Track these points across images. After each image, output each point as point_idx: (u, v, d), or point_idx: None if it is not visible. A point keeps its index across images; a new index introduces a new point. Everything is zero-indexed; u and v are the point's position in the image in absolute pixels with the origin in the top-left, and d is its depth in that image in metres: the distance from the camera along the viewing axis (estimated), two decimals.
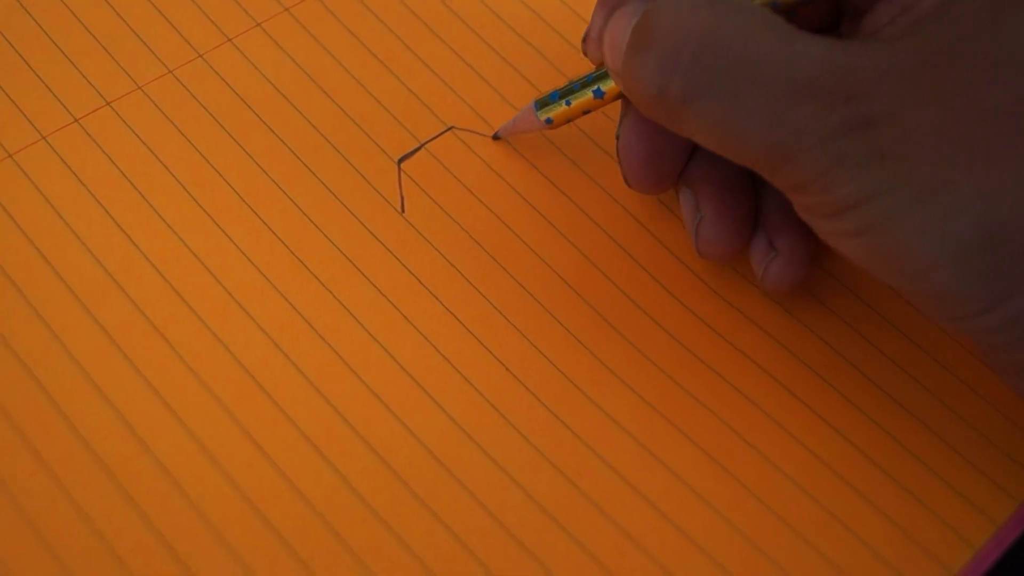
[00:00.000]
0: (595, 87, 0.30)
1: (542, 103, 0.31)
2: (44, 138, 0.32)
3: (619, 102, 0.31)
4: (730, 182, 0.30)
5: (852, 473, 0.29)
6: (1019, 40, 0.24)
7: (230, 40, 0.34)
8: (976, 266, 0.24)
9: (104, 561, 0.26)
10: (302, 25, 0.35)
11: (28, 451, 0.27)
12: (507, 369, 0.30)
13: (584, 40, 0.30)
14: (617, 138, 0.30)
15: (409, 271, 0.31)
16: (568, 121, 0.31)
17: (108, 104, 0.32)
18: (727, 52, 0.24)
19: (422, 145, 0.33)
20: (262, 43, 0.34)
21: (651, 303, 0.31)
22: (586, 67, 0.32)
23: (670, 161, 0.30)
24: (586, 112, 0.31)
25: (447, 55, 0.35)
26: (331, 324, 0.30)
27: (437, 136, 0.33)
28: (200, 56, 0.34)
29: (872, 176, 0.24)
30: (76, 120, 0.32)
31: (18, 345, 0.28)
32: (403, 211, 0.32)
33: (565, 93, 0.31)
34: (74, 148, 0.32)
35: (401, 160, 0.32)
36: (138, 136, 0.32)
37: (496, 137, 0.33)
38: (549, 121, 0.31)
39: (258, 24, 0.35)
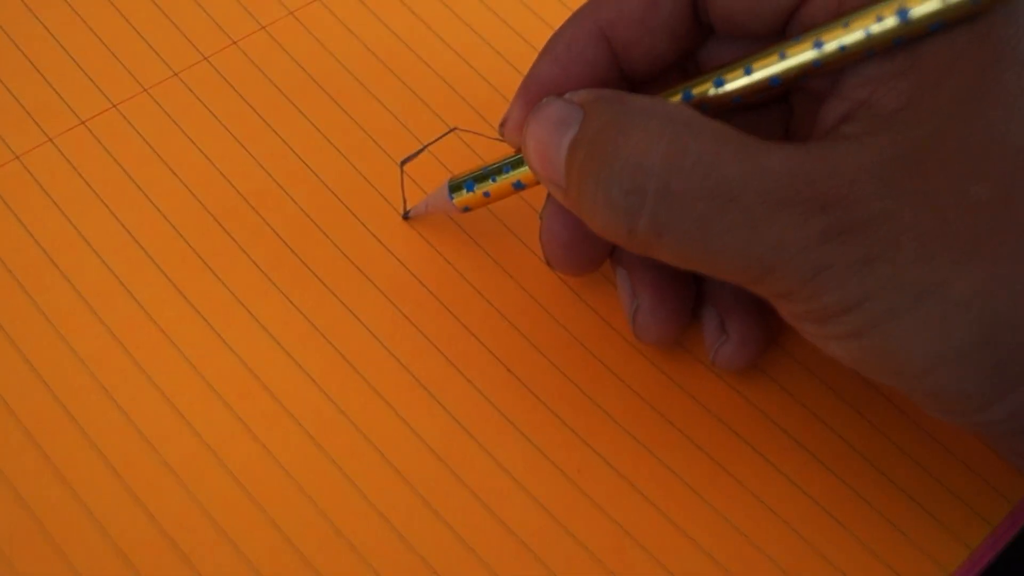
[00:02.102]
0: (515, 180, 0.29)
1: (455, 187, 0.30)
2: (51, 140, 0.32)
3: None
4: (668, 266, 0.28)
5: (849, 474, 0.29)
6: (995, 130, 0.23)
7: (235, 43, 0.34)
8: (976, 364, 0.23)
9: (109, 559, 0.26)
10: (306, 28, 0.35)
11: (34, 450, 0.27)
12: (508, 369, 0.30)
13: (502, 124, 0.29)
14: (541, 220, 0.29)
15: (410, 272, 0.31)
16: (484, 206, 0.30)
17: (114, 106, 0.33)
18: (691, 182, 0.23)
19: (424, 147, 0.33)
20: (267, 46, 0.34)
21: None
22: None
23: (597, 247, 0.29)
24: (504, 198, 0.30)
25: (449, 57, 0.35)
26: (333, 324, 0.30)
27: (439, 138, 0.33)
28: (205, 59, 0.34)
29: (860, 282, 0.23)
30: (82, 122, 0.32)
31: (25, 346, 0.29)
32: (405, 213, 0.32)
33: (481, 180, 0.29)
34: (80, 150, 0.32)
35: (403, 162, 0.32)
36: (143, 138, 0.32)
37: (406, 217, 0.32)
38: (467, 209, 0.30)
39: (263, 27, 0.35)
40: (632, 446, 0.29)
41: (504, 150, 0.33)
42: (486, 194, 0.29)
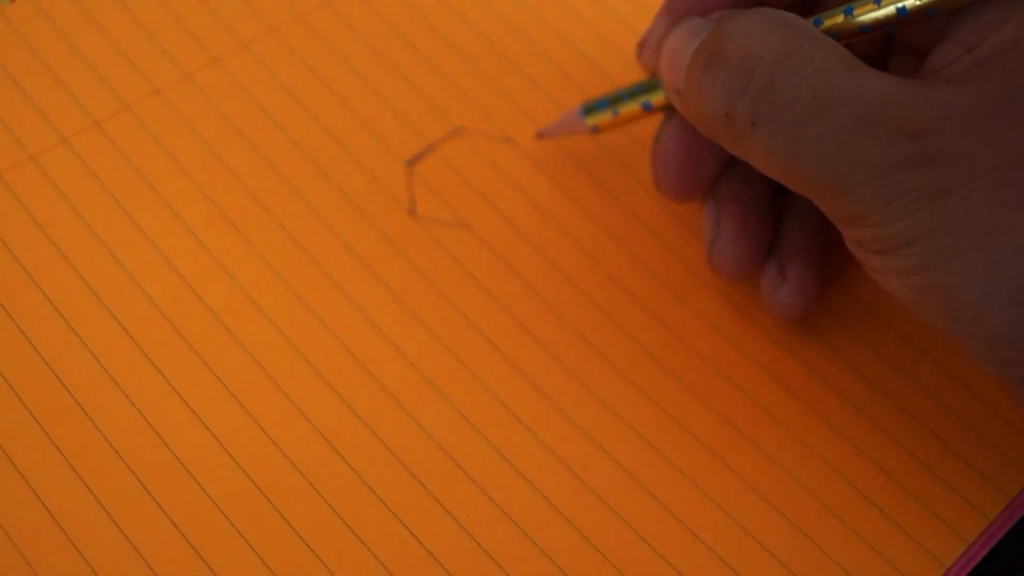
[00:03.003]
0: (644, 99, 0.30)
1: (589, 108, 0.31)
2: (65, 140, 0.32)
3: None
4: (755, 203, 0.30)
5: (848, 467, 0.29)
6: None
7: (245, 45, 0.35)
8: None
9: (122, 554, 0.26)
10: (315, 30, 0.35)
11: (49, 447, 0.27)
12: (514, 365, 0.30)
13: (640, 46, 0.30)
14: (656, 141, 0.30)
15: (419, 270, 0.31)
16: (612, 127, 0.31)
17: (127, 107, 0.33)
18: (797, 80, 0.24)
19: (431, 147, 0.33)
20: (276, 48, 0.35)
21: (657, 303, 0.32)
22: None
23: (705, 171, 0.30)
24: (632, 120, 0.31)
25: (456, 58, 0.35)
26: (343, 321, 0.30)
27: (446, 138, 0.33)
28: (216, 60, 0.34)
29: (929, 214, 0.23)
30: (96, 123, 0.32)
31: (39, 344, 0.29)
32: (413, 212, 0.32)
33: (614, 101, 0.31)
34: (94, 150, 0.32)
35: (411, 162, 0.33)
36: (156, 138, 0.32)
37: (540, 136, 0.33)
38: (596, 129, 0.31)
39: (273, 29, 0.35)
40: (636, 442, 0.29)
41: (513, 151, 0.34)
42: (615, 112, 0.30)
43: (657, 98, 0.30)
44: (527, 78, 0.35)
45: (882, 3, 0.26)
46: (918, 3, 0.25)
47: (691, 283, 0.32)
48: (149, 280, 0.30)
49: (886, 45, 0.29)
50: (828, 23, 0.26)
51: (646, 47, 0.30)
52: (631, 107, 0.30)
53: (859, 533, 0.28)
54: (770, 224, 0.30)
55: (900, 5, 0.25)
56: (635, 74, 0.34)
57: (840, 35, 0.26)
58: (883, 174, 0.23)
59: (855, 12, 0.26)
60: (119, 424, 0.28)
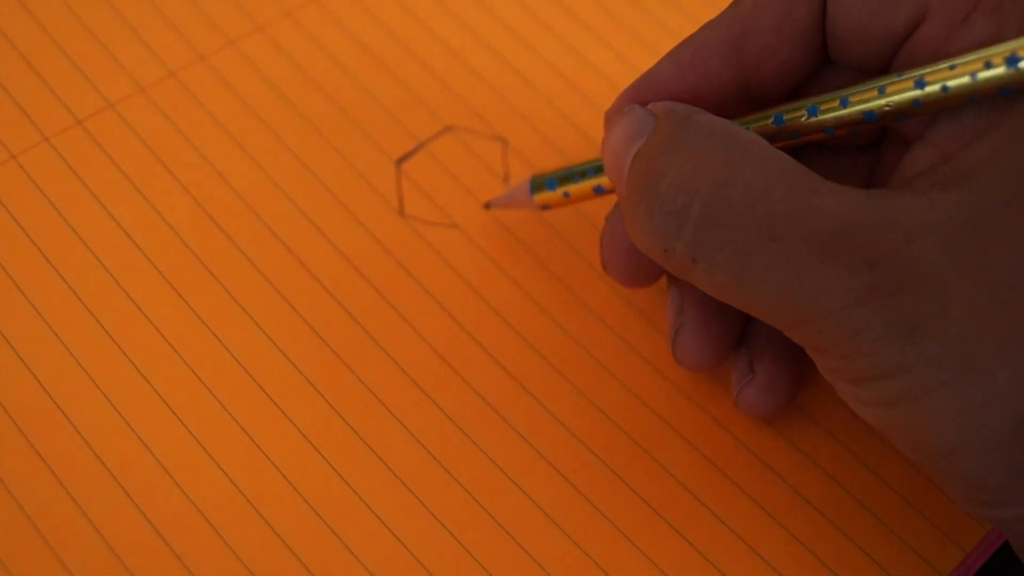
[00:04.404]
0: (596, 184, 0.28)
1: (537, 185, 0.30)
2: (47, 139, 0.32)
3: None
4: None
5: (844, 475, 0.29)
6: None
7: (232, 42, 0.34)
8: (1005, 458, 0.22)
9: (102, 557, 0.26)
10: (303, 27, 0.35)
11: (28, 450, 0.27)
12: (503, 367, 0.30)
13: (606, 116, 0.28)
14: (606, 221, 0.29)
15: (407, 270, 0.31)
16: (562, 207, 0.30)
17: (111, 106, 0.33)
18: (737, 212, 0.22)
19: (421, 145, 0.33)
20: (264, 45, 0.34)
21: (649, 306, 0.31)
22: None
23: (653, 262, 0.28)
24: (583, 201, 0.29)
25: (445, 55, 0.35)
26: (329, 323, 0.30)
27: (435, 136, 0.33)
28: (202, 58, 0.34)
29: (897, 350, 0.21)
30: (79, 122, 0.32)
31: (20, 345, 0.29)
32: (402, 211, 0.32)
33: (563, 181, 0.29)
34: (77, 150, 0.32)
35: (400, 160, 0.32)
36: (140, 137, 0.32)
37: (488, 206, 0.32)
38: (546, 206, 0.30)
39: (260, 26, 0.35)
40: (626, 445, 0.29)
41: (503, 150, 0.33)
42: (566, 194, 0.29)
43: (608, 181, 0.28)
44: (519, 76, 0.35)
45: (849, 104, 0.24)
46: (887, 108, 0.24)
47: None
48: (132, 281, 0.30)
49: (879, 128, 0.27)
50: (789, 118, 0.25)
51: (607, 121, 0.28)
52: (582, 189, 0.29)
53: (855, 541, 0.28)
54: (738, 313, 0.28)
55: (867, 109, 0.24)
56: (630, 71, 0.33)
57: (800, 133, 0.25)
58: (842, 308, 0.22)
59: (820, 112, 0.25)
60: (99, 427, 0.28)
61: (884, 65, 0.26)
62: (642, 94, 0.26)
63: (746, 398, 0.28)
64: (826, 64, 0.27)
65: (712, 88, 0.26)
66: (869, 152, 0.27)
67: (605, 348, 0.30)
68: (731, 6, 0.26)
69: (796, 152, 0.26)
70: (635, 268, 0.28)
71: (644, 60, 0.31)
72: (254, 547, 0.27)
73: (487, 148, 0.33)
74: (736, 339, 0.28)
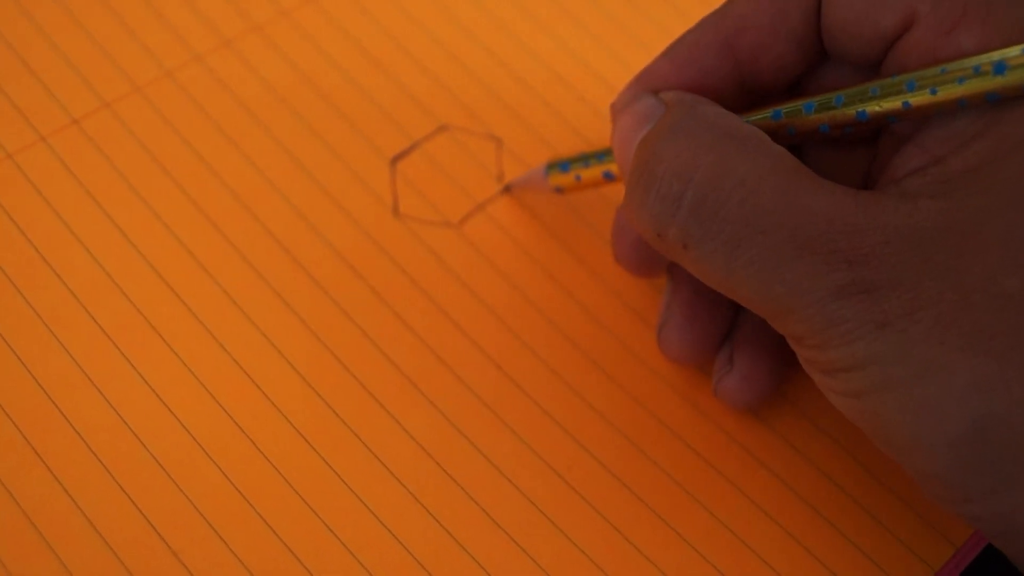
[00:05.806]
0: (606, 169, 0.29)
1: (552, 167, 0.31)
2: (43, 139, 0.32)
3: None
4: (710, 290, 0.28)
5: (836, 471, 0.29)
6: None
7: (228, 42, 0.34)
8: (962, 457, 0.22)
9: (100, 556, 0.26)
10: (299, 27, 0.35)
11: (26, 448, 0.27)
12: (498, 366, 0.30)
13: (612, 108, 0.29)
14: (617, 213, 0.30)
15: (402, 269, 0.31)
16: (576, 190, 0.31)
17: (107, 105, 0.33)
18: (728, 204, 0.23)
19: (415, 144, 0.33)
20: (259, 45, 0.34)
21: (643, 304, 0.31)
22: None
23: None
24: (595, 186, 0.30)
25: (440, 55, 0.35)
26: (325, 322, 0.30)
27: (429, 136, 0.33)
28: (198, 58, 0.34)
29: (866, 344, 0.22)
30: (75, 121, 0.32)
31: (17, 344, 0.29)
32: (397, 211, 0.32)
33: (576, 165, 0.30)
34: (73, 149, 0.32)
35: (395, 159, 0.33)
36: (136, 137, 0.32)
37: (507, 188, 0.33)
38: (559, 189, 0.31)
39: (256, 26, 0.35)
40: (622, 444, 0.29)
41: (497, 148, 0.33)
42: (578, 177, 0.30)
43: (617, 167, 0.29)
44: (513, 75, 0.35)
45: (844, 105, 0.25)
46: (878, 109, 0.25)
47: None
48: (128, 280, 0.30)
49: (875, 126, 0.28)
50: (787, 113, 0.26)
51: (613, 112, 0.28)
52: (593, 173, 0.30)
53: (847, 536, 0.28)
54: (725, 311, 0.29)
55: (860, 109, 0.25)
56: (625, 71, 0.33)
57: (797, 130, 0.26)
58: (818, 301, 0.23)
59: (815, 110, 0.25)
60: (97, 425, 0.28)
61: (879, 63, 0.26)
62: (644, 88, 0.27)
63: (724, 387, 0.29)
64: (826, 59, 0.27)
65: (709, 84, 0.27)
66: (867, 149, 0.28)
67: (599, 347, 0.31)
68: (726, 3, 0.27)
69: (800, 145, 0.27)
70: (642, 256, 0.30)
71: (639, 59, 0.31)
72: (251, 545, 0.27)
73: (482, 147, 0.34)
74: (721, 337, 0.29)
